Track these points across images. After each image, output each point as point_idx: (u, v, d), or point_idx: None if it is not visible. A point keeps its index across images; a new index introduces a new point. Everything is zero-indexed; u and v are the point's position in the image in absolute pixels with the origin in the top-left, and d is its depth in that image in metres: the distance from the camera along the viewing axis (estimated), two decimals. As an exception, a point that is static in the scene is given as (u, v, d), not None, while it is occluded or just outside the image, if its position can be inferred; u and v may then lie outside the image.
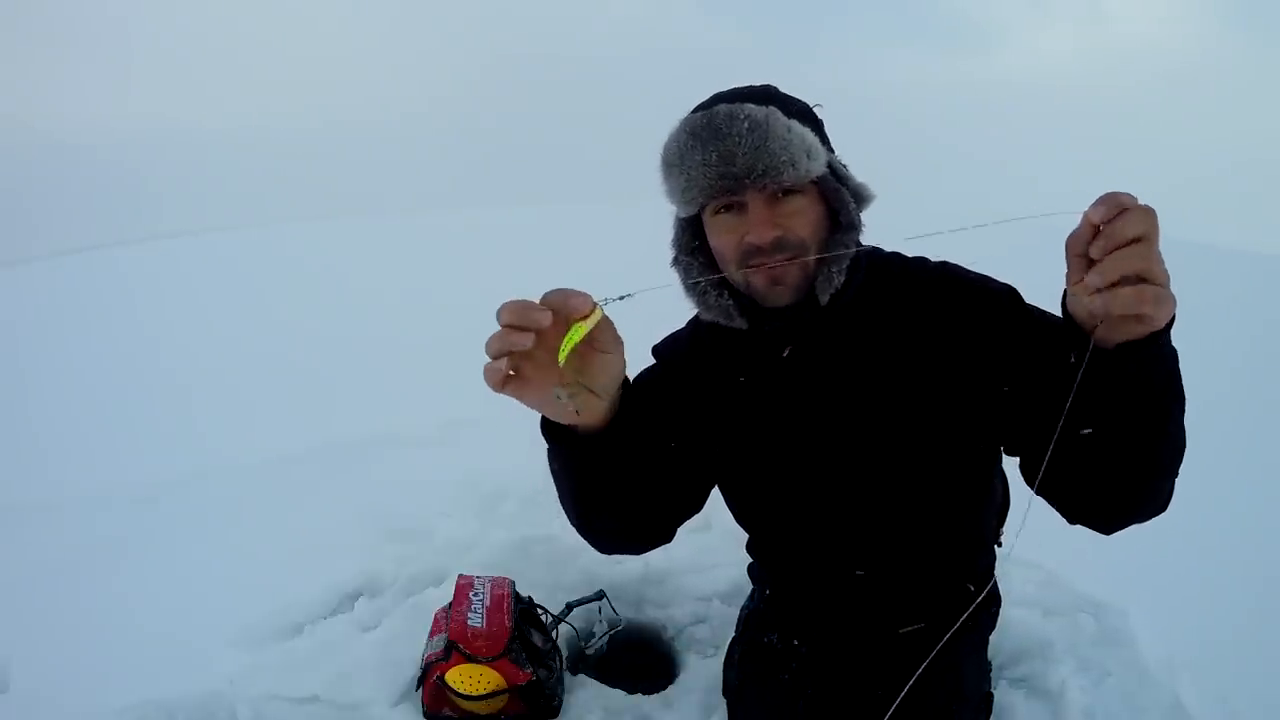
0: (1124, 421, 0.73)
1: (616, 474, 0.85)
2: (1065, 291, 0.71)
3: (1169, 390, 0.74)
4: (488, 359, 0.69)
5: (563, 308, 0.68)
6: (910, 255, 1.04)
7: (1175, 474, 0.81)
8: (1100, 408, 0.72)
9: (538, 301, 0.68)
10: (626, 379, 0.81)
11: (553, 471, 0.90)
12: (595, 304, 0.67)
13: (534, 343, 0.68)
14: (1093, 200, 0.64)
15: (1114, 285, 0.63)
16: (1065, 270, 0.68)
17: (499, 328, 0.68)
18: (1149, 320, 0.66)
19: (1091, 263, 0.65)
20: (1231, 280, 5.61)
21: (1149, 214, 0.62)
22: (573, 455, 0.84)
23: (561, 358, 0.67)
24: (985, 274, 0.99)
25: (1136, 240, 0.62)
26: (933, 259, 1.02)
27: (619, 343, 0.75)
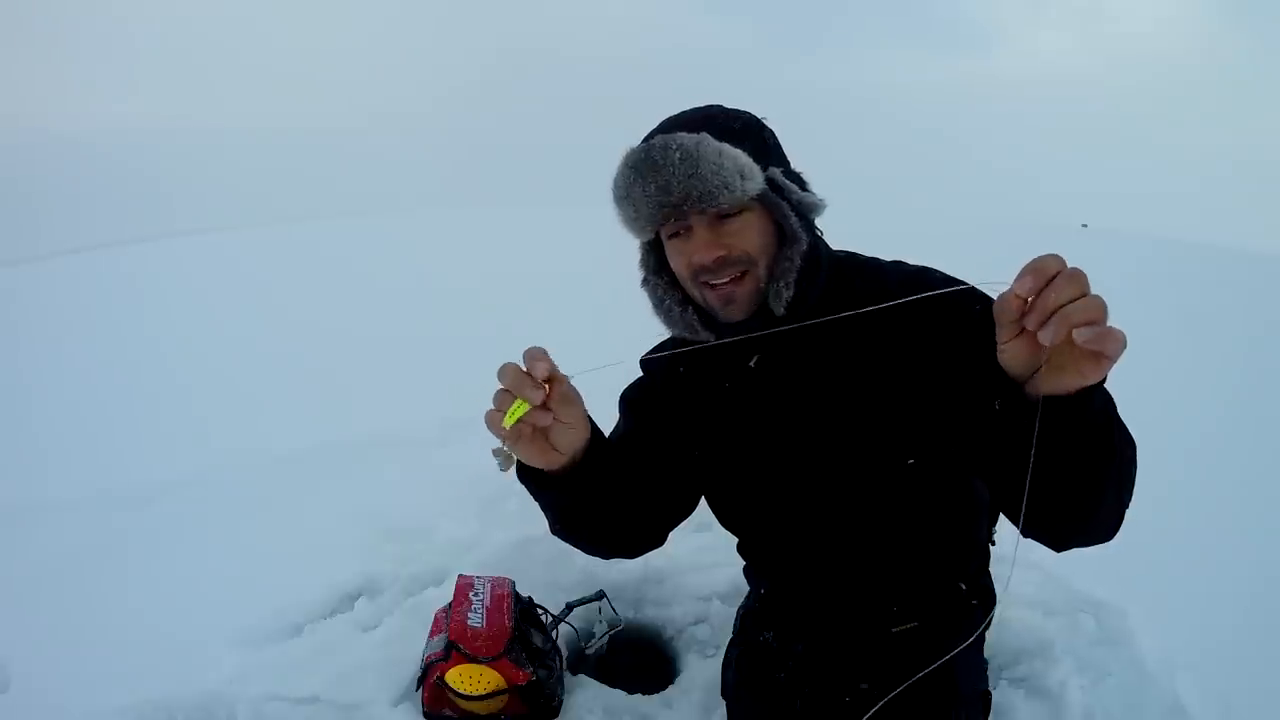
0: (1070, 463, 0.73)
1: (589, 505, 0.94)
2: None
3: (1112, 430, 0.74)
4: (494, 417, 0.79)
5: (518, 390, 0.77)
6: (887, 260, 1.05)
7: (1124, 503, 0.83)
8: (1046, 451, 0.72)
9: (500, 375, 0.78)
10: (591, 421, 0.90)
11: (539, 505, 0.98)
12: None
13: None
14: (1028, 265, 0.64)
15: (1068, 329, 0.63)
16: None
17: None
18: (1106, 362, 0.65)
19: (1022, 327, 0.66)
20: (1231, 280, 5.62)
21: (1078, 276, 0.62)
22: (547, 496, 0.93)
23: (507, 423, 0.78)
24: (964, 280, 1.00)
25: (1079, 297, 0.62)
26: (910, 263, 1.03)
27: (575, 406, 0.84)
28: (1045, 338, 0.62)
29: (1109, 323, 0.62)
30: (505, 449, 0.83)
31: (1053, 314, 0.62)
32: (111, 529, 2.22)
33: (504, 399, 0.78)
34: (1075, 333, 0.61)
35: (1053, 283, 0.62)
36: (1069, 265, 0.63)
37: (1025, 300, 0.64)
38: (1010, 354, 0.70)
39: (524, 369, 0.78)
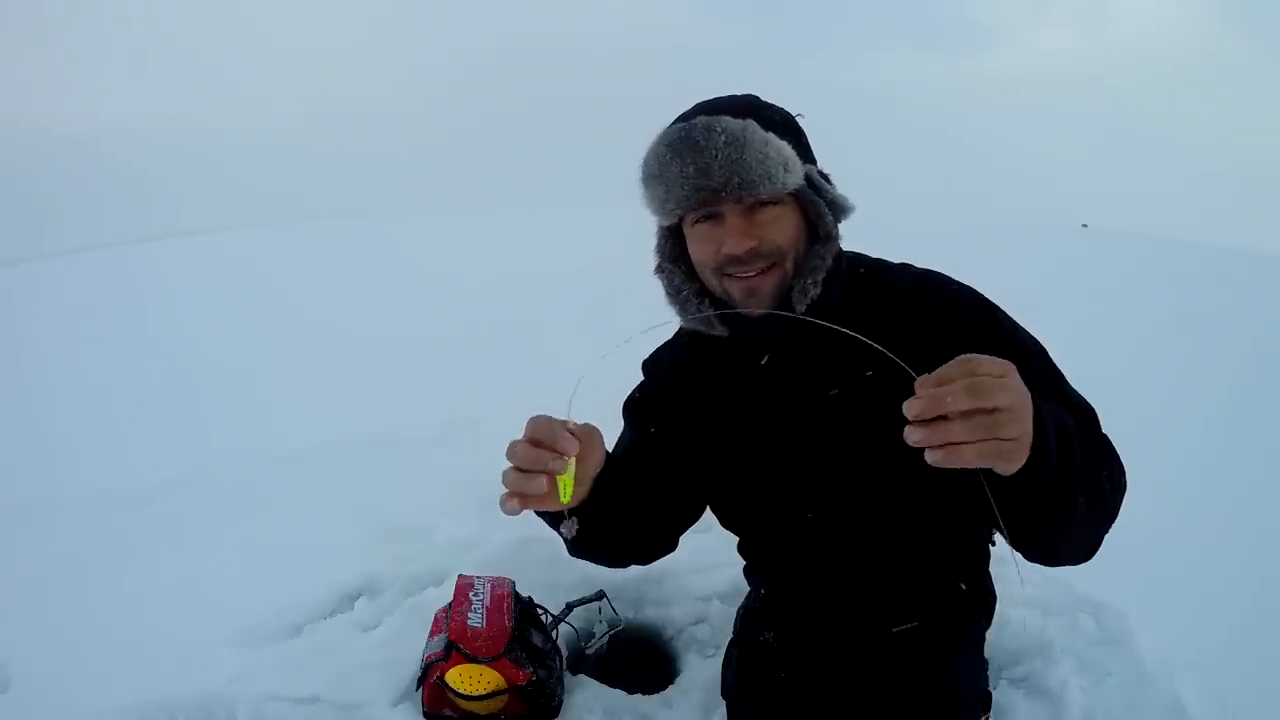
0: (1025, 515, 0.74)
1: (604, 530, 0.95)
2: None
3: (1072, 485, 0.73)
4: (504, 489, 0.77)
5: (555, 445, 0.77)
6: (895, 262, 1.05)
7: (1098, 535, 0.83)
8: (1003, 506, 0.71)
9: (526, 434, 0.78)
10: (606, 452, 0.91)
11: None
12: (575, 449, 0.78)
13: (560, 472, 0.78)
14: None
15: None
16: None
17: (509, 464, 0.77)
18: (1007, 465, 0.65)
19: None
20: (1231, 280, 5.61)
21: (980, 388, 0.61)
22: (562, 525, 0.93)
23: (565, 500, 0.78)
24: (968, 284, 1.00)
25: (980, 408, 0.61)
26: (917, 265, 1.03)
27: (599, 437, 0.87)
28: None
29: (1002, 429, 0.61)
30: (568, 522, 0.85)
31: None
32: (112, 528, 2.22)
33: (519, 480, 0.77)
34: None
35: (939, 395, 0.61)
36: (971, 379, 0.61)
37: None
38: None
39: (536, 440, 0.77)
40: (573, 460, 0.77)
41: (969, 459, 0.61)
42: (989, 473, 0.66)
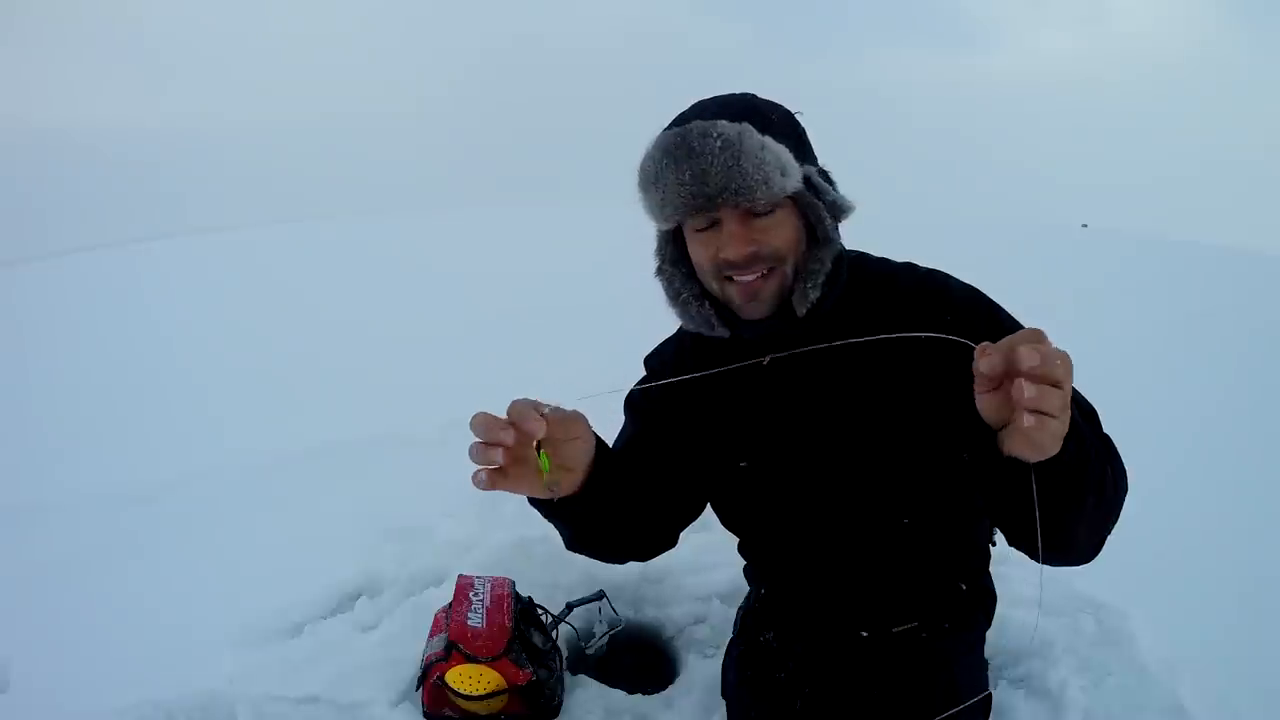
0: (1030, 510, 0.73)
1: (600, 523, 0.96)
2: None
3: (1083, 484, 0.74)
4: (474, 464, 0.77)
5: (521, 425, 0.75)
6: (898, 262, 1.05)
7: (1102, 536, 0.85)
8: (1012, 500, 0.73)
9: (506, 412, 0.76)
10: (599, 439, 0.91)
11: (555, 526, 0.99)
12: (540, 432, 0.76)
13: (509, 445, 0.75)
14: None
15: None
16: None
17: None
18: (1037, 448, 0.67)
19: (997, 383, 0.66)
20: (1231, 280, 5.62)
21: (1067, 361, 0.63)
22: (558, 518, 0.94)
23: (545, 481, 0.78)
24: (970, 284, 1.00)
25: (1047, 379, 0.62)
26: (921, 266, 1.03)
27: (583, 424, 0.85)
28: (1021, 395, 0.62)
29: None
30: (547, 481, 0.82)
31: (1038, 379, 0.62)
32: (111, 529, 2.22)
33: (478, 451, 0.76)
34: (1026, 417, 0.62)
35: (1051, 355, 0.62)
36: (1045, 348, 0.62)
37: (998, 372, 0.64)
38: (982, 404, 0.69)
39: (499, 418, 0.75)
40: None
41: (1044, 433, 0.64)
42: (1011, 465, 0.68)
